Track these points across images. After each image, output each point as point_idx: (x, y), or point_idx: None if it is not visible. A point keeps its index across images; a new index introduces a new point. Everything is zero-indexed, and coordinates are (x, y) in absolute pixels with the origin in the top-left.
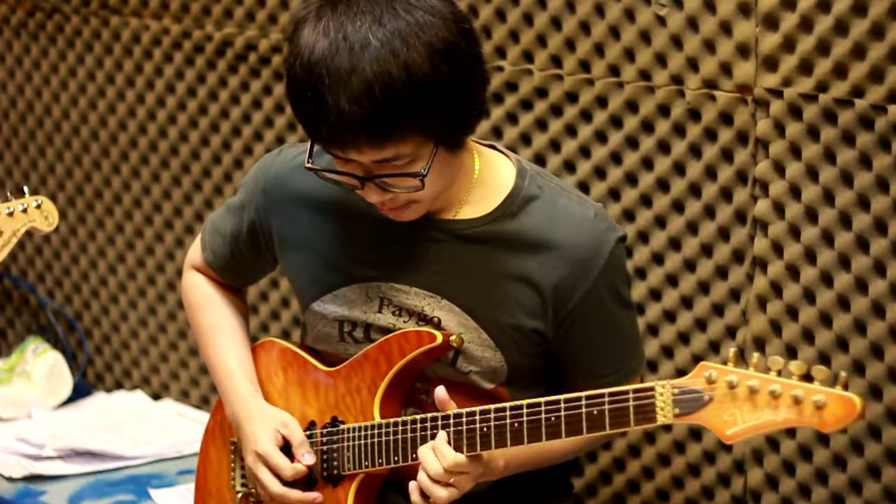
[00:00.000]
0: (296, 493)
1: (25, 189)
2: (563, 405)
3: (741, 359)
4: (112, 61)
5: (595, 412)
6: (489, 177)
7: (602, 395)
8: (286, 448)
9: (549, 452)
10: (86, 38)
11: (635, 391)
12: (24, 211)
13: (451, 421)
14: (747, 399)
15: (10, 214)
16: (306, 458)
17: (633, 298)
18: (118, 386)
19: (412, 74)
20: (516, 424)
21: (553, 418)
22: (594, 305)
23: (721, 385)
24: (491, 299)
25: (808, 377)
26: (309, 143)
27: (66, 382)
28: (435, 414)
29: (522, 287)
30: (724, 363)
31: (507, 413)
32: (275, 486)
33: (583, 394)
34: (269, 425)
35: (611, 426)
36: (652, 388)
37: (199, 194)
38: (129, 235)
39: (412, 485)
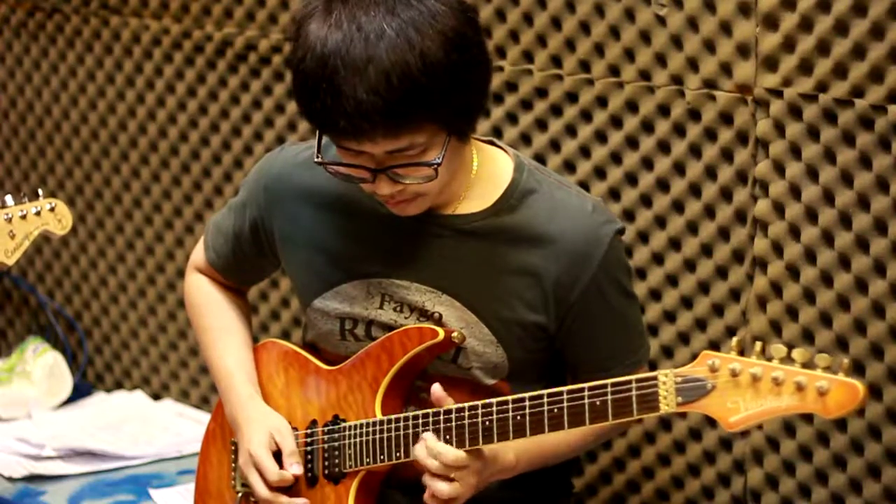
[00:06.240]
0: (284, 499)
1: (40, 191)
2: (565, 396)
3: (744, 347)
4: (112, 61)
5: (598, 402)
6: (487, 171)
7: (605, 386)
8: (278, 454)
9: (562, 446)
10: (86, 38)
11: (638, 380)
12: (38, 214)
13: (454, 416)
14: (750, 386)
15: (24, 217)
16: (294, 467)
17: None
18: (118, 386)
19: (428, 62)
20: (518, 417)
21: (556, 409)
22: (596, 297)
23: (724, 373)
24: (491, 293)
25: (811, 364)
26: (316, 139)
27: (66, 382)
28: (437, 409)
29: (523, 281)
30: (728, 352)
31: (510, 406)
32: (262, 489)
33: (585, 385)
34: (264, 429)
35: (614, 416)
36: (655, 378)
37: (199, 194)
38: (129, 235)
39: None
